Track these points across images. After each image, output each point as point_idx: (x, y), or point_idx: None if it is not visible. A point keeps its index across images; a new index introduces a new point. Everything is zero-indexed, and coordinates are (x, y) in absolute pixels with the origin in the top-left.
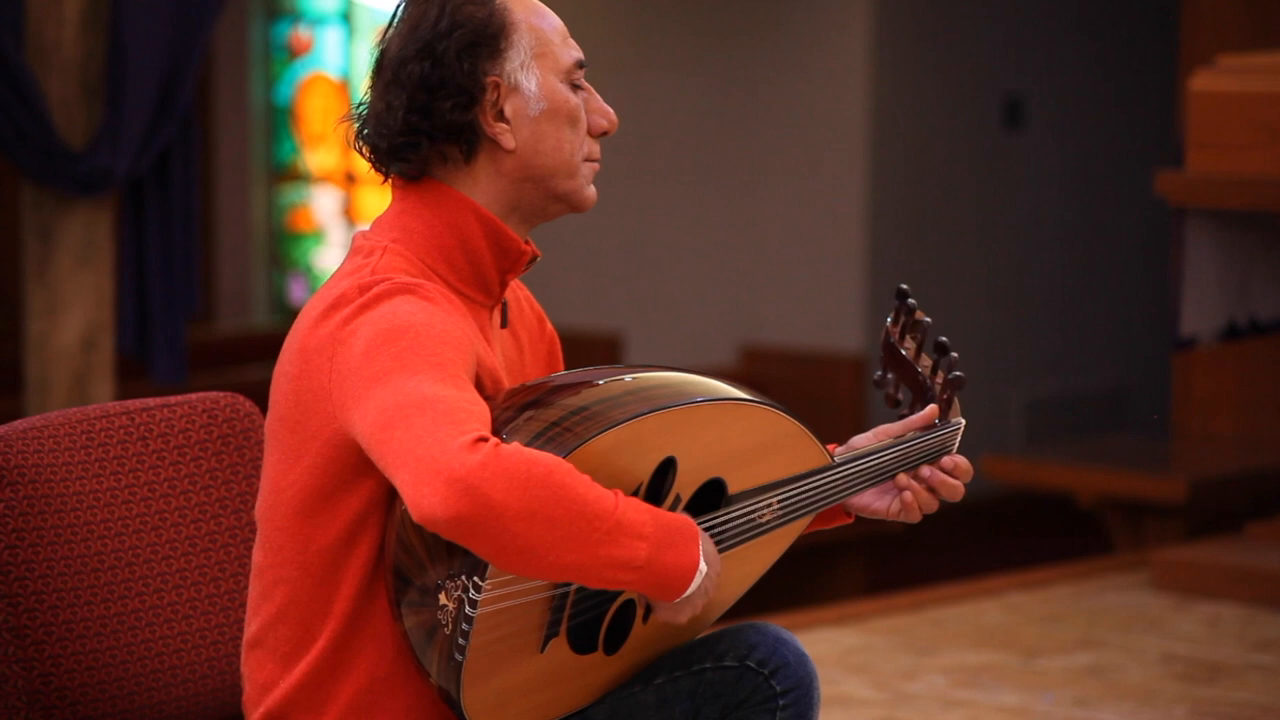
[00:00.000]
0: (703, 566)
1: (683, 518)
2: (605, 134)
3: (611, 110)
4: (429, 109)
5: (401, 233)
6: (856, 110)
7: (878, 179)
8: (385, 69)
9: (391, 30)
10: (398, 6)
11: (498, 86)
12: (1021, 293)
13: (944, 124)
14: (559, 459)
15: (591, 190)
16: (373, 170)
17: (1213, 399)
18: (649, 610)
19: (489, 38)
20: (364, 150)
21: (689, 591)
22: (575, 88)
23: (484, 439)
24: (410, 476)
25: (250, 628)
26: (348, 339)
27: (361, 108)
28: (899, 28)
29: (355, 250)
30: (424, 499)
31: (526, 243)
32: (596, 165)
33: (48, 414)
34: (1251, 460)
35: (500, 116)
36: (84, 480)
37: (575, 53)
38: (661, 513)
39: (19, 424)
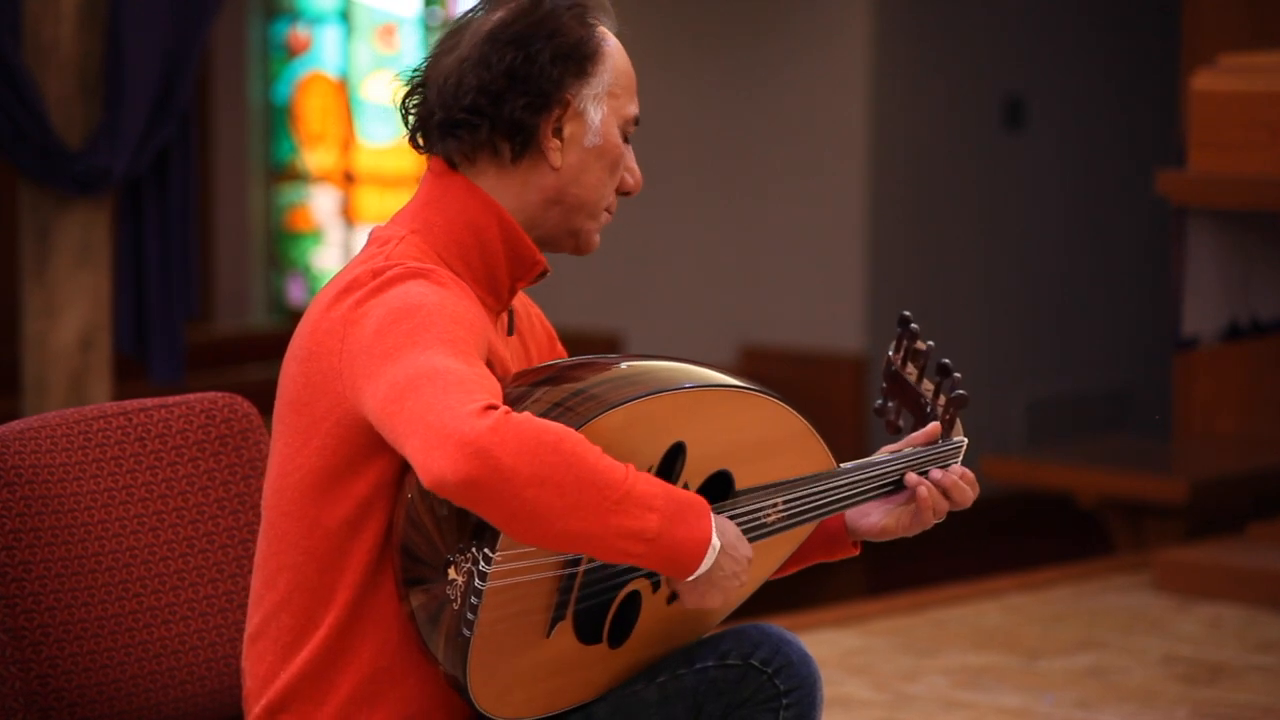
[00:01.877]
0: (715, 542)
1: (694, 495)
2: (627, 194)
3: (640, 174)
4: (501, 98)
5: (422, 225)
6: (856, 110)
7: (878, 179)
8: (466, 44)
9: (483, 10)
10: None
11: (568, 105)
12: (1022, 293)
13: (944, 124)
14: (570, 429)
15: (598, 238)
16: (409, 141)
17: (1214, 399)
18: (672, 596)
19: (581, 56)
20: (410, 117)
21: (702, 568)
22: (624, 138)
23: (494, 406)
24: (421, 442)
25: (252, 621)
26: (359, 319)
27: (418, 74)
28: (899, 28)
29: (372, 239)
30: (435, 463)
31: (540, 255)
32: (610, 218)
33: (45, 414)
34: (1253, 461)
35: (558, 133)
36: (81, 481)
37: (637, 108)
38: (672, 488)
39: (16, 424)
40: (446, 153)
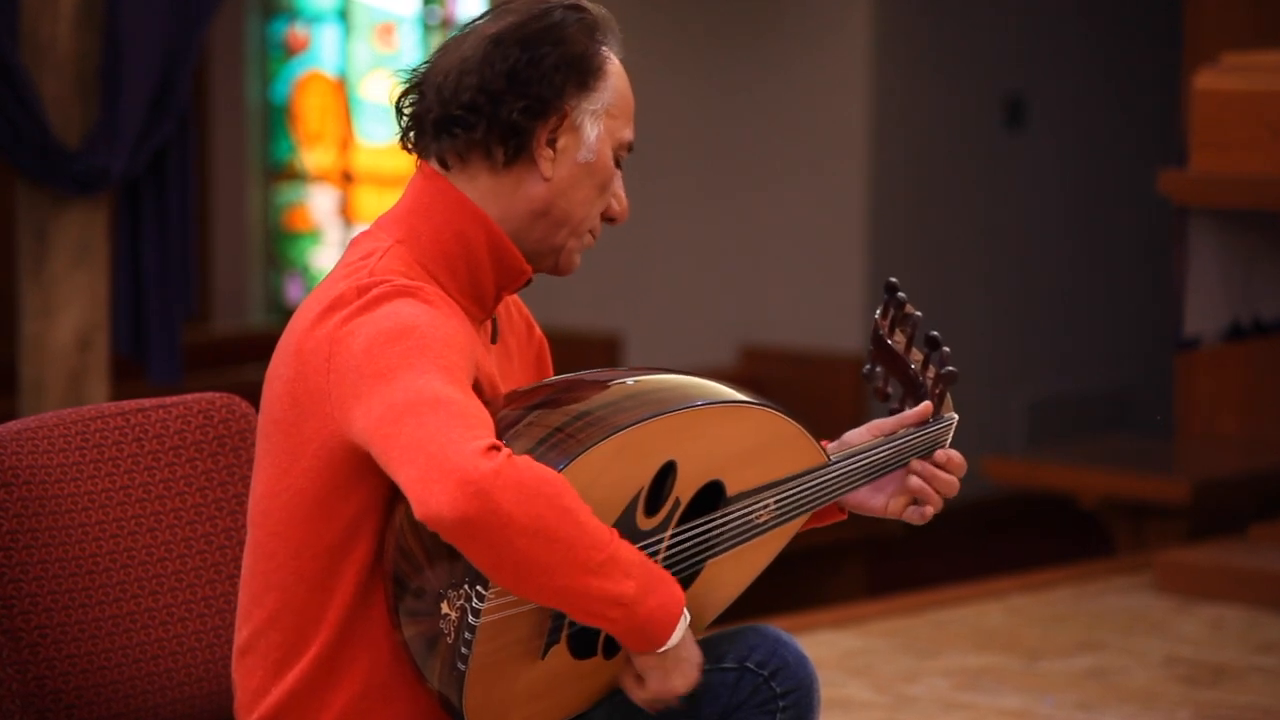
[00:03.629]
0: (686, 615)
1: (663, 570)
2: (611, 220)
3: (627, 202)
4: (500, 98)
5: (407, 233)
6: (856, 110)
7: (878, 179)
8: (469, 45)
9: (489, 16)
10: None
11: (565, 116)
12: (1023, 293)
13: (944, 124)
14: (566, 481)
15: (579, 259)
16: (401, 141)
17: (1216, 399)
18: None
19: (585, 69)
20: (404, 116)
21: (671, 641)
22: (616, 162)
23: (497, 447)
24: (419, 473)
25: (241, 634)
26: (346, 339)
27: (417, 73)
28: (899, 28)
29: (354, 247)
30: (432, 497)
31: (526, 263)
32: (592, 241)
33: (43, 415)
34: (1255, 461)
35: (552, 143)
36: (79, 482)
37: (632, 134)
38: (649, 560)
39: (14, 425)
40: (440, 152)
